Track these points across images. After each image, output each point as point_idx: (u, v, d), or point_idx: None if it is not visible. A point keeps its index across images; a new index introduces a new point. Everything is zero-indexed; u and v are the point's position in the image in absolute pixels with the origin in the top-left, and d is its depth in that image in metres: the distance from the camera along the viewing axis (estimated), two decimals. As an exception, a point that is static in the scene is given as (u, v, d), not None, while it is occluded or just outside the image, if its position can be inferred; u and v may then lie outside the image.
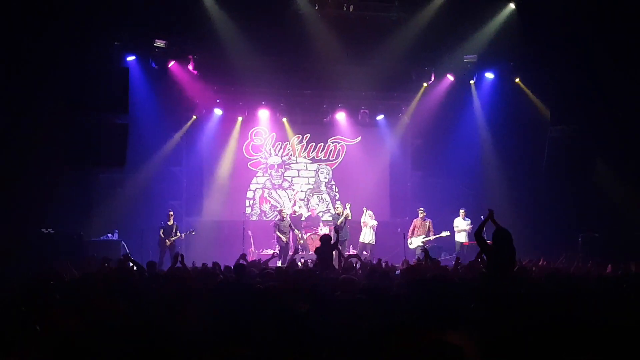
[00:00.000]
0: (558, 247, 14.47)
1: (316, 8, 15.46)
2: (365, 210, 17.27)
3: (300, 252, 15.63)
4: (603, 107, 15.73)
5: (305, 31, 15.59)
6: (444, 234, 16.67)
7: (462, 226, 16.79)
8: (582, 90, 15.86)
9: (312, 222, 18.55)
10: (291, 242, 16.81)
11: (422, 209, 17.08)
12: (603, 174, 15.96)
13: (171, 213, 16.48)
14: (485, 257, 8.68)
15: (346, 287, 6.92)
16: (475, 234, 8.59)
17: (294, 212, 17.82)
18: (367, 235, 17.02)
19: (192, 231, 16.80)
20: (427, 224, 16.89)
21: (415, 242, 16.70)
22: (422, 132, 19.29)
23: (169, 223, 16.36)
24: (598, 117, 15.99)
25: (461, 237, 16.75)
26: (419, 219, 17.00)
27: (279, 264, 15.24)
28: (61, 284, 7.55)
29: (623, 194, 15.63)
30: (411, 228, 17.03)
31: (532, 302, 5.63)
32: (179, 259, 9.66)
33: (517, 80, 17.02)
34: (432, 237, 16.64)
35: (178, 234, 16.36)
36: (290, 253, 15.26)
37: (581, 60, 14.98)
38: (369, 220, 17.12)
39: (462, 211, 16.90)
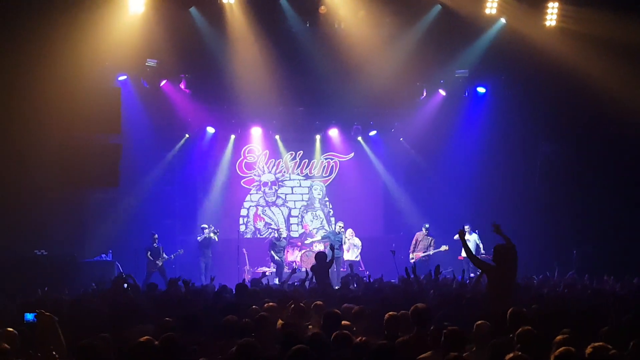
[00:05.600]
0: (552, 260, 14.54)
1: (307, 25, 15.51)
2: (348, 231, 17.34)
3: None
4: (593, 123, 15.87)
5: (297, 48, 15.65)
6: (443, 248, 16.53)
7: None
8: (572, 106, 16.00)
9: (306, 239, 18.52)
10: (286, 261, 16.78)
11: (427, 224, 16.99)
12: (594, 189, 16.12)
13: (156, 236, 16.25)
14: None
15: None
16: (467, 255, 8.45)
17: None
18: (352, 253, 17.08)
19: (181, 251, 16.57)
20: (430, 240, 16.82)
21: (416, 256, 16.62)
22: (416, 147, 19.29)
23: (154, 245, 16.15)
24: (589, 133, 16.12)
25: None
26: (421, 232, 16.94)
27: (276, 281, 15.19)
28: (59, 306, 7.48)
29: (614, 209, 15.79)
30: (413, 242, 16.95)
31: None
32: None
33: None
34: (431, 252, 16.61)
35: (164, 255, 16.17)
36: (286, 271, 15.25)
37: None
38: (352, 240, 17.21)
39: (466, 227, 16.31)
